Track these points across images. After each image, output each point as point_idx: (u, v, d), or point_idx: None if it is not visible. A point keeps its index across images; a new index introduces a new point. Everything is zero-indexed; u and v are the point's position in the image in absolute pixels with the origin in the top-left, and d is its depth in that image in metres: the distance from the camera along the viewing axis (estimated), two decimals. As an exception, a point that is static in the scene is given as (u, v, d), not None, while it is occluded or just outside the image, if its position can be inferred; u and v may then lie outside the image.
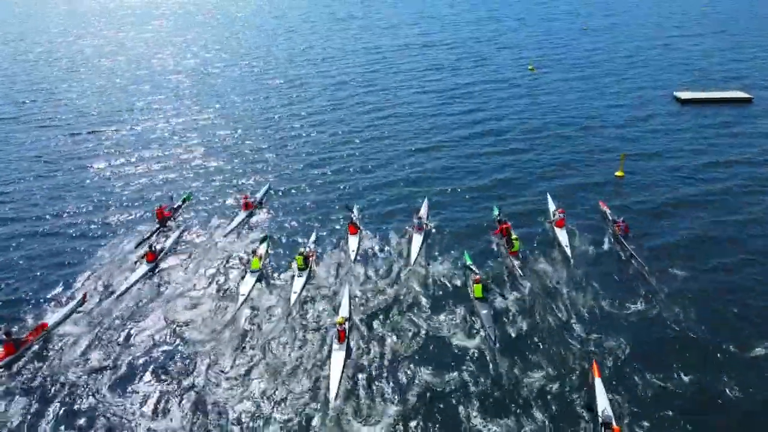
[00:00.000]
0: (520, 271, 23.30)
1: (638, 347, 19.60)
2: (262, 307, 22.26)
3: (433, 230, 27.60)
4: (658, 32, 78.98)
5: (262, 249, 25.88)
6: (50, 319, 20.80)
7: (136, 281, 23.89)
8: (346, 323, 19.98)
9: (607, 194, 29.85)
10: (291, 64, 64.34)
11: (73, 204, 31.54)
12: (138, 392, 18.01)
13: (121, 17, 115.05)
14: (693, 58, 63.10)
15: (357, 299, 22.51)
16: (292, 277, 23.77)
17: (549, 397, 17.61)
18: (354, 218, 27.51)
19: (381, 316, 21.56)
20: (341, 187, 32.73)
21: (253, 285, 23.42)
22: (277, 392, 17.92)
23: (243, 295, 22.74)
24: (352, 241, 26.20)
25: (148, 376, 18.62)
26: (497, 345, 19.44)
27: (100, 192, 32.87)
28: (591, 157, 35.59)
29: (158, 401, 17.61)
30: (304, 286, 23.07)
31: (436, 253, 25.73)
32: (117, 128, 44.12)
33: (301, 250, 24.51)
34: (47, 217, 30.19)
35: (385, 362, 19.16)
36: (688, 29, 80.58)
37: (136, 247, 26.57)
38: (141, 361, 19.33)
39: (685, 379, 18.12)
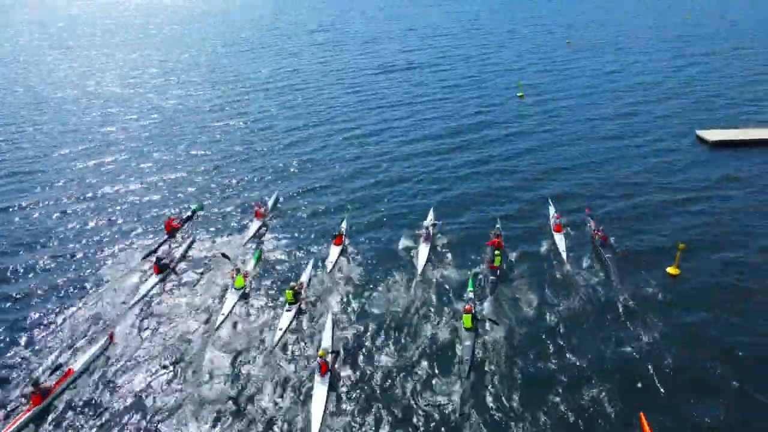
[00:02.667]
0: (497, 286, 23.49)
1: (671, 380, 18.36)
2: (244, 332, 21.67)
3: (439, 240, 27.35)
4: (653, 49, 70.80)
5: (249, 265, 25.47)
6: (75, 364, 19.71)
7: (144, 296, 23.81)
8: (329, 355, 19.37)
9: (666, 299, 22.72)
10: (280, 82, 62.62)
11: (78, 221, 31.00)
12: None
13: (118, 27, 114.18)
14: (702, 82, 54.34)
15: (341, 324, 21.87)
16: (280, 312, 22.70)
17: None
18: (341, 230, 27.28)
19: (367, 343, 20.80)
20: (341, 198, 32.69)
21: (234, 304, 22.95)
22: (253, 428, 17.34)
23: (223, 314, 22.30)
24: (333, 252, 26.01)
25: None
26: (470, 383, 18.64)
27: (105, 208, 32.39)
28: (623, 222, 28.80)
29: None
30: (291, 323, 21.93)
31: (441, 266, 25.44)
32: (119, 141, 43.99)
33: (292, 283, 23.35)
34: (51, 237, 29.46)
35: (371, 397, 18.37)
36: (684, 45, 72.35)
37: (142, 260, 26.50)
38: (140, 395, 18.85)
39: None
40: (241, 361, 20.01)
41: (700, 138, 39.16)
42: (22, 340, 21.53)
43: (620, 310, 21.90)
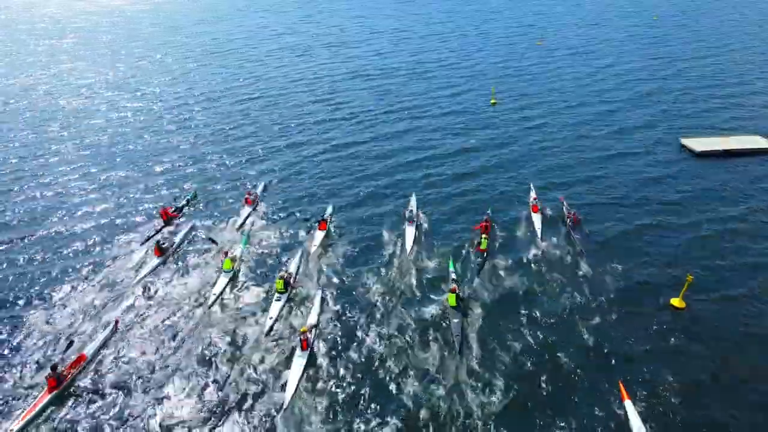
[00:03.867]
0: (482, 267, 25.00)
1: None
2: (233, 312, 23.09)
3: (423, 223, 29.06)
4: (625, 51, 67.85)
5: (238, 249, 26.83)
6: (87, 349, 20.76)
7: (144, 277, 25.25)
8: (311, 332, 20.79)
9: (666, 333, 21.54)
10: (270, 77, 61.54)
11: (77, 211, 31.90)
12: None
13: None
14: (680, 86, 52.63)
15: (328, 305, 23.27)
16: (268, 293, 23.96)
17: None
18: (326, 215, 28.93)
19: (353, 323, 22.24)
20: (326, 187, 34.18)
21: (226, 285, 24.39)
22: (232, 396, 18.81)
23: (215, 294, 23.74)
24: (319, 237, 27.48)
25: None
26: (463, 358, 20.04)
27: (103, 198, 33.30)
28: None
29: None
30: (281, 312, 22.81)
31: (424, 250, 26.98)
32: (114, 132, 44.80)
33: (282, 273, 24.11)
34: (50, 228, 30.34)
35: (349, 372, 19.74)
36: (657, 47, 70.16)
37: (140, 246, 27.89)
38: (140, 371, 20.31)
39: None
40: (232, 341, 21.37)
41: (684, 147, 38.11)
42: (33, 327, 22.49)
43: (591, 290, 23.58)
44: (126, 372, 19.91)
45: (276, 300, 23.01)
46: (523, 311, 22.40)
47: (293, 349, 20.31)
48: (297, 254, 26.48)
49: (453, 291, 22.04)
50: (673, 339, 20.74)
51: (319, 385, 19.10)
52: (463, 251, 26.43)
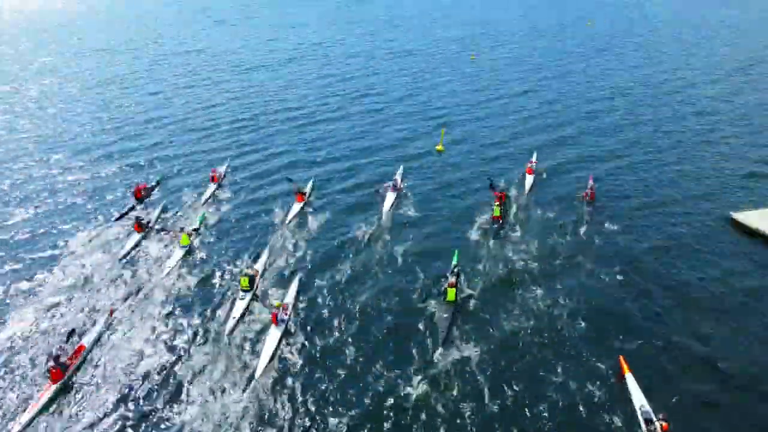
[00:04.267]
0: (498, 233, 26.49)
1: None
2: (189, 287, 23.47)
3: (407, 193, 30.79)
4: (576, 72, 59.19)
5: (194, 225, 27.48)
6: (85, 339, 20.63)
7: (128, 252, 26.04)
8: (286, 309, 20.52)
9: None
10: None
11: (53, 192, 32.57)
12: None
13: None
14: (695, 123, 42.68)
15: (304, 280, 23.27)
16: (227, 271, 24.22)
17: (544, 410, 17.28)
18: (304, 188, 29.61)
19: (326, 303, 22.02)
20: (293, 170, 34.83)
21: (181, 258, 25.07)
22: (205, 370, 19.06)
23: (169, 267, 24.34)
24: (295, 208, 28.34)
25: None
26: (448, 350, 19.23)
27: (70, 184, 33.66)
28: None
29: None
30: (245, 311, 21.39)
31: (406, 216, 28.36)
32: (86, 118, 45.51)
33: (247, 270, 22.56)
34: (27, 208, 30.73)
35: (324, 349, 19.70)
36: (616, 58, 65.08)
37: (115, 221, 28.99)
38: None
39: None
40: (199, 322, 21.26)
41: (736, 223, 27.28)
42: (25, 321, 21.96)
43: (589, 260, 24.42)
44: (123, 358, 19.77)
45: (240, 299, 21.52)
46: (518, 280, 22.65)
47: (264, 328, 20.14)
48: (265, 251, 25.21)
49: (451, 286, 20.63)
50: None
51: (291, 360, 19.02)
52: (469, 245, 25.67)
